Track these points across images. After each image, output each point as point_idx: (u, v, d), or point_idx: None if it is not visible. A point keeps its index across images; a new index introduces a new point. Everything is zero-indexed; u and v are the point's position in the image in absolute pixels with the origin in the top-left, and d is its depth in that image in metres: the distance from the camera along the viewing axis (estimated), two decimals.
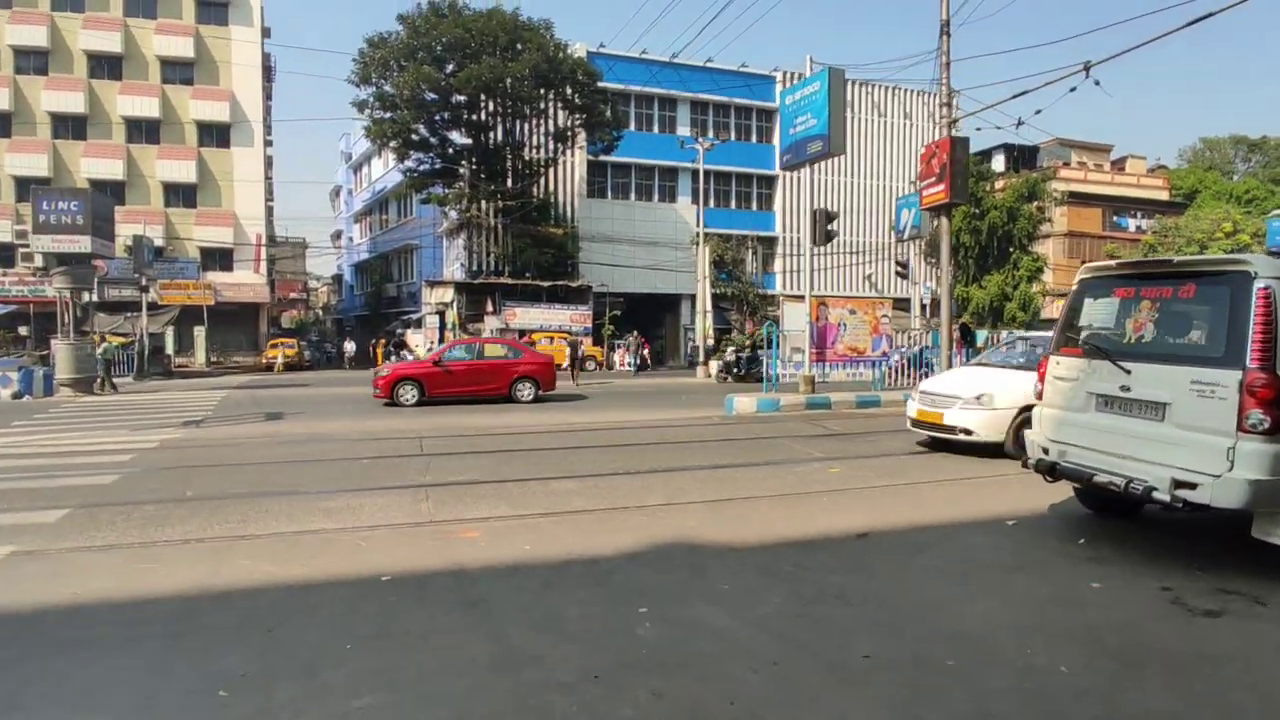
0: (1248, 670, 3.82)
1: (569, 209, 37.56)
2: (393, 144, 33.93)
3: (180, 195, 39.34)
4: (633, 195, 39.76)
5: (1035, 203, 36.13)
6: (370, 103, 33.11)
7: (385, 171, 46.76)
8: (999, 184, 37.34)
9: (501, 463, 9.63)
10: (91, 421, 14.66)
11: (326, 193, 75.11)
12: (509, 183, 34.74)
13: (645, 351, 34.01)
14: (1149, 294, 5.61)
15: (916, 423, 10.61)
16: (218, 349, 38.02)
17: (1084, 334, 6.08)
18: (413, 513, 6.96)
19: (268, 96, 44.17)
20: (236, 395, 20.72)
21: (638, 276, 37.30)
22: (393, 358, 23.20)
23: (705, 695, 3.46)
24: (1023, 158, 44.67)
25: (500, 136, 34.88)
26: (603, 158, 37.15)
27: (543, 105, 34.56)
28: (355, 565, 5.38)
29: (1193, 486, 4.97)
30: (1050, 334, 11.30)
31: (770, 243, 42.34)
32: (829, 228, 16.86)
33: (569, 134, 35.12)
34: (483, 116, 33.98)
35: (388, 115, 32.81)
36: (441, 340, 34.32)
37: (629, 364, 33.40)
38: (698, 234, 31.00)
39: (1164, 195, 50.64)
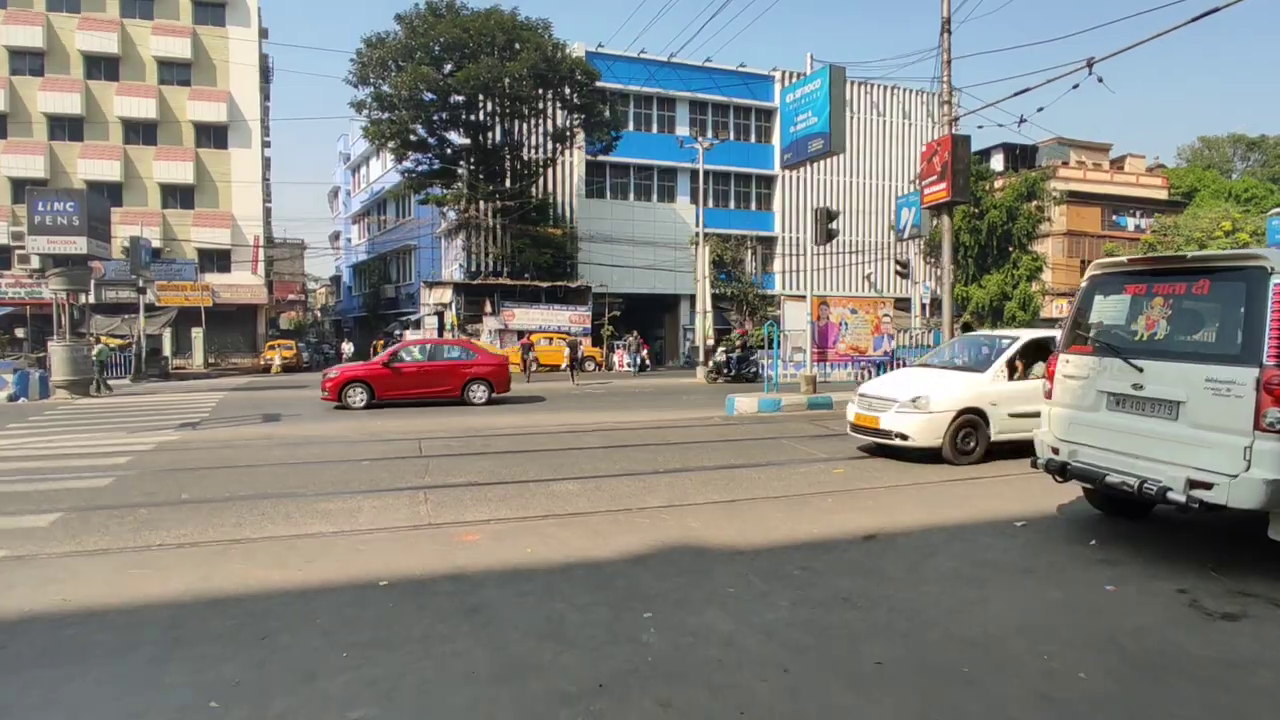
0: (1276, 678, 3.70)
1: (568, 209, 37.45)
2: (391, 144, 33.80)
3: (178, 196, 39.20)
4: (631, 195, 39.65)
5: (1034, 202, 36.02)
6: (368, 103, 32.98)
7: (384, 172, 46.64)
8: (998, 183, 37.26)
9: (502, 464, 9.52)
10: (87, 424, 14.54)
11: (324, 194, 75.09)
12: (507, 183, 34.63)
13: (644, 352, 33.87)
14: (1162, 290, 5.51)
15: (855, 427, 10.14)
16: (215, 351, 37.87)
17: (1094, 331, 5.98)
18: (412, 515, 6.84)
19: (265, 97, 44.04)
20: (234, 397, 20.59)
21: (637, 277, 37.19)
22: None
23: (714, 706, 3.35)
24: (1021, 157, 44.62)
25: (499, 137, 34.76)
26: (601, 158, 37.04)
27: (541, 105, 34.44)
28: (353, 570, 5.27)
29: (1208, 487, 4.87)
30: (997, 333, 11.10)
31: (769, 243, 42.24)
32: (830, 226, 16.75)
33: (567, 134, 35.02)
34: (481, 117, 33.86)
35: (386, 115, 32.68)
36: None
37: (628, 364, 33.28)
38: (697, 234, 30.91)
39: (1163, 194, 50.61)
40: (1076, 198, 45.07)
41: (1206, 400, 4.98)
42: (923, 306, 32.51)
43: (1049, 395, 6.32)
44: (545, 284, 34.57)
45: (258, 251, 40.36)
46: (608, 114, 34.61)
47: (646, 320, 38.15)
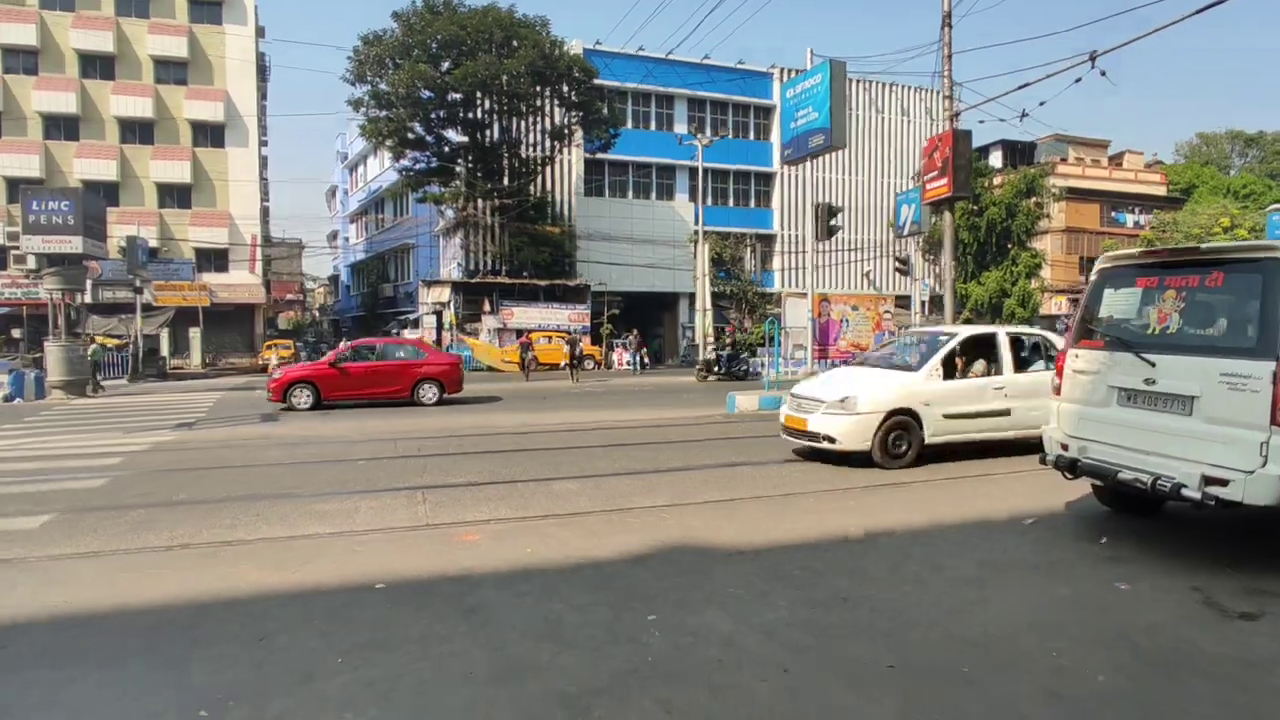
0: None
1: (566, 207, 37.30)
2: (388, 142, 33.65)
3: (174, 196, 39.03)
4: (630, 193, 39.51)
5: (1033, 198, 35.92)
6: (365, 101, 32.83)
7: (381, 171, 46.49)
8: (997, 180, 37.16)
9: (501, 463, 9.41)
10: (82, 424, 14.42)
11: (322, 193, 74.91)
12: (506, 181, 34.49)
13: (643, 351, 33.75)
14: (1174, 283, 5.40)
15: (787, 430, 9.56)
16: (213, 350, 37.71)
17: (1104, 326, 5.88)
18: (410, 516, 6.73)
19: (262, 96, 43.87)
20: (231, 397, 20.46)
21: (635, 275, 37.05)
22: None
23: (715, 707, 3.26)
24: (1020, 154, 44.54)
25: (496, 134, 34.62)
26: (600, 155, 36.88)
27: (539, 103, 34.30)
28: (350, 571, 5.16)
29: (1224, 483, 4.76)
30: (937, 329, 10.64)
31: (768, 240, 42.12)
32: (832, 222, 16.65)
33: (566, 131, 34.88)
34: (479, 114, 33.72)
35: (383, 113, 32.52)
36: (439, 341, 34.14)
37: (628, 363, 33.17)
38: (696, 231, 30.77)
39: (1161, 190, 50.58)
40: (1075, 194, 45.01)
41: (1221, 395, 4.88)
42: (922, 304, 32.39)
43: (1057, 391, 6.22)
44: (544, 282, 34.44)
45: (255, 251, 40.19)
46: (606, 111, 34.47)
47: (645, 319, 38.02)
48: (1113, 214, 48.12)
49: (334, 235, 65.33)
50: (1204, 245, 5.54)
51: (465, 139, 34.02)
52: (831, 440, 8.77)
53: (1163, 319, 5.42)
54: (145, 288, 31.21)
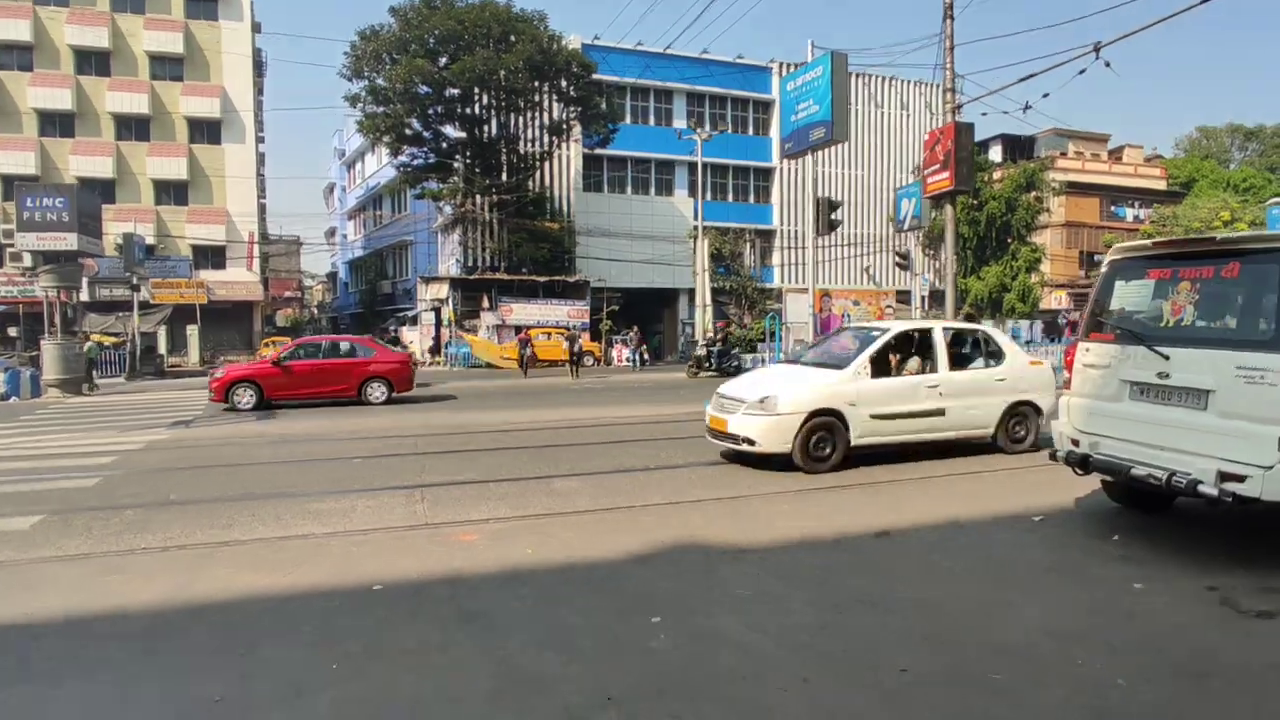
0: None
1: (565, 203, 37.10)
2: (386, 138, 33.44)
3: (171, 193, 38.82)
4: (629, 189, 39.30)
5: (1033, 193, 35.79)
6: (363, 96, 32.61)
7: (379, 167, 46.27)
8: (996, 175, 37.03)
9: (500, 461, 9.28)
10: (78, 422, 14.28)
11: (320, 190, 74.66)
12: (504, 177, 34.29)
13: (643, 348, 33.58)
14: (1188, 274, 5.27)
15: (711, 431, 9.00)
16: (211, 348, 37.53)
17: (1116, 318, 5.75)
18: (407, 515, 6.61)
19: (259, 92, 43.64)
20: None
21: (635, 271, 36.87)
22: None
23: None
24: (1019, 148, 44.41)
25: (494, 130, 34.41)
26: (598, 151, 36.65)
27: (537, 98, 34.08)
28: (345, 573, 5.03)
29: (1241, 479, 4.64)
30: (870, 324, 10.02)
31: (767, 236, 41.94)
32: (833, 216, 16.51)
33: (564, 127, 34.67)
34: (477, 110, 33.51)
35: (380, 109, 32.30)
36: (437, 337, 33.99)
37: (627, 359, 33.02)
38: (696, 227, 30.58)
39: (1161, 185, 50.48)
40: (1075, 188, 44.88)
41: (1237, 389, 4.75)
42: (922, 299, 32.26)
43: (1068, 385, 6.10)
44: (543, 278, 34.26)
45: (253, 248, 40.00)
46: (604, 106, 34.25)
47: (645, 315, 37.83)
48: (1112, 208, 48.00)
49: (332, 232, 65.09)
50: (1219, 235, 5.40)
51: (463, 135, 33.82)
52: (751, 442, 8.26)
53: (1176, 311, 5.30)
54: (142, 285, 31.05)
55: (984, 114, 46.83)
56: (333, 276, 69.52)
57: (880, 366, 8.79)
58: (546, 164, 36.14)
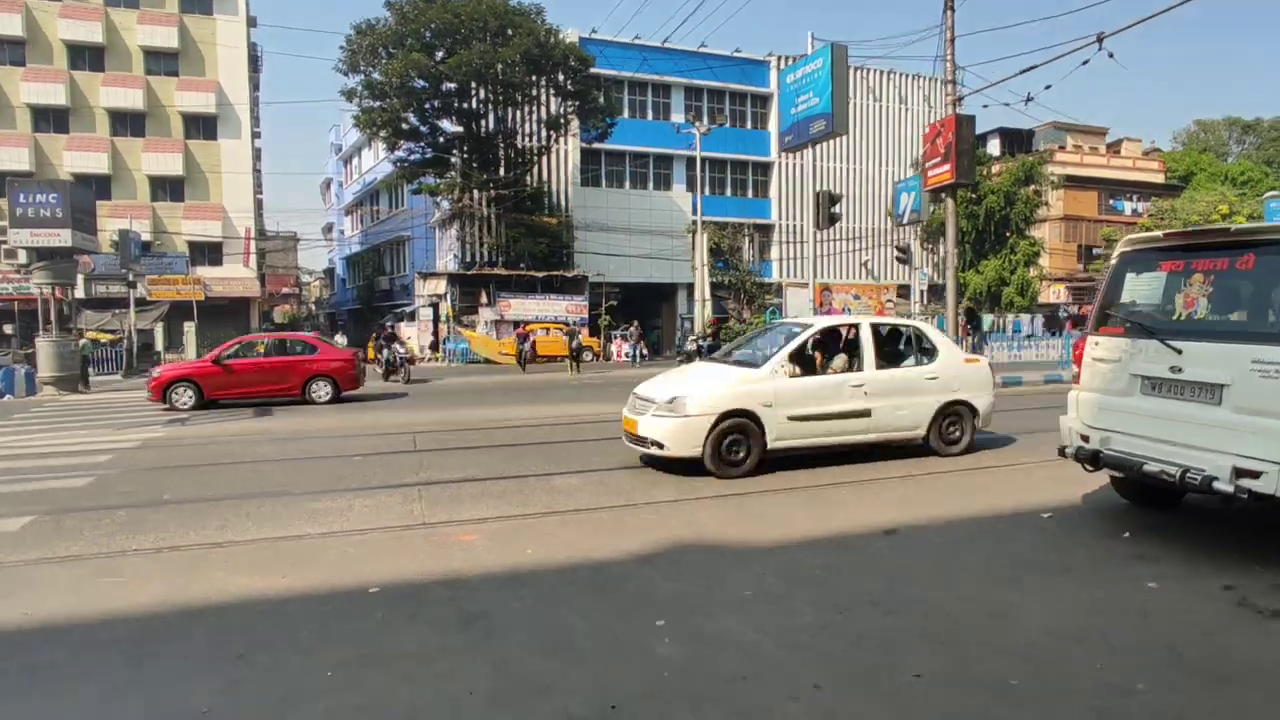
0: None
1: (563, 198, 36.93)
2: (382, 133, 33.20)
3: (167, 189, 38.58)
4: (627, 183, 39.12)
5: (1032, 186, 35.69)
6: (359, 91, 32.37)
7: (376, 163, 46.05)
8: (995, 168, 36.92)
9: (500, 459, 9.17)
10: (73, 420, 14.15)
11: (317, 186, 74.40)
12: (501, 171, 34.11)
13: (643, 343, 33.46)
14: (1201, 266, 5.16)
15: (626, 433, 8.49)
16: (208, 345, 37.26)
17: (1126, 312, 5.64)
18: (405, 514, 6.50)
19: (255, 87, 43.36)
20: None
21: (633, 266, 36.73)
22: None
23: None
24: (1018, 142, 44.28)
25: (492, 124, 34.21)
26: (596, 145, 36.49)
27: (534, 92, 33.89)
28: (341, 575, 4.92)
29: (1256, 475, 4.54)
30: (793, 321, 9.68)
31: (766, 230, 41.79)
32: (833, 210, 16.39)
33: (562, 121, 34.48)
34: (474, 104, 33.30)
35: (377, 104, 32.06)
36: (436, 333, 33.84)
37: (627, 354, 32.90)
38: (694, 221, 30.44)
39: (1159, 178, 50.39)
40: (1073, 182, 44.77)
41: (1253, 383, 4.65)
42: (922, 293, 32.16)
43: (1076, 380, 5.99)
44: (541, 274, 34.11)
45: (249, 244, 39.79)
46: (602, 100, 34.06)
47: (644, 310, 37.68)
48: (1111, 201, 47.92)
49: (329, 228, 64.83)
50: (1234, 226, 5.29)
51: (460, 129, 33.61)
52: (660, 445, 7.80)
53: (1189, 304, 5.19)
54: (138, 282, 30.88)
55: (985, 106, 46.57)
56: (330, 272, 69.29)
57: (804, 364, 8.35)
58: (544, 158, 35.94)
